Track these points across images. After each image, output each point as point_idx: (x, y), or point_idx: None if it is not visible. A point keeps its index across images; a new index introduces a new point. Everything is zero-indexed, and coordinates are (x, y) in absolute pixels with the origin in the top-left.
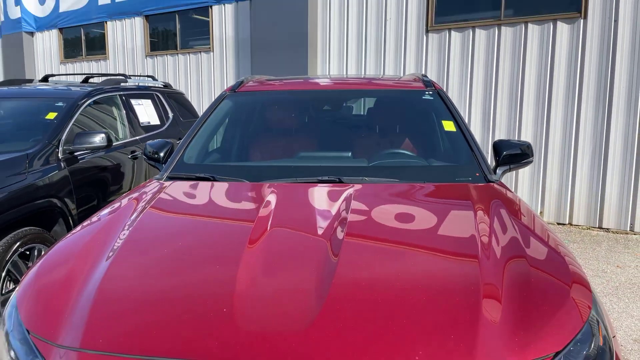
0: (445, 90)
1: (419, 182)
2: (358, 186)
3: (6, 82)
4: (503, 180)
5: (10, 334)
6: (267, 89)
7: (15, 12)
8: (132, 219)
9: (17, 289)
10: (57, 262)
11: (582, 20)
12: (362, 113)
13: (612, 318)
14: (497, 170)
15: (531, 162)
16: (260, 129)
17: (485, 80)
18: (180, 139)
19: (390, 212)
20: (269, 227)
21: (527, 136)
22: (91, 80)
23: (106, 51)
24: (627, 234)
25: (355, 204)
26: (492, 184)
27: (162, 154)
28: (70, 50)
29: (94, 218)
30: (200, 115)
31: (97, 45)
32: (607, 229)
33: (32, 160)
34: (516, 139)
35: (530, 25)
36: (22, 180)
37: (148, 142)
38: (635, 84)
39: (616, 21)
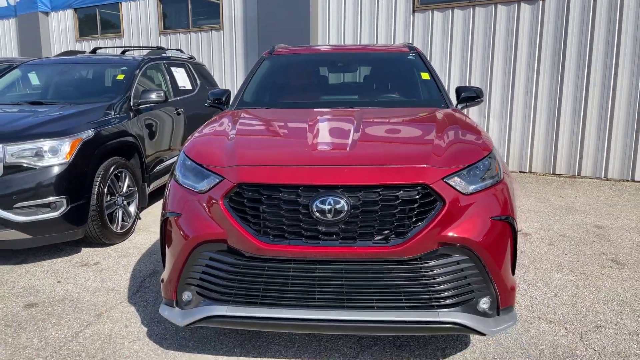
0: (429, 60)
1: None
2: (365, 108)
3: (64, 54)
4: None
5: (184, 176)
6: (294, 52)
7: None
8: (233, 122)
9: (184, 149)
10: (202, 138)
11: (541, 2)
12: (365, 68)
13: (548, 225)
14: (458, 107)
15: (482, 101)
16: (293, 79)
17: (462, 53)
18: (207, 103)
19: (387, 116)
20: (319, 117)
21: (496, 98)
22: (128, 52)
23: (121, 29)
24: (574, 178)
25: (365, 113)
26: (450, 108)
27: (223, 99)
28: (86, 28)
29: (203, 130)
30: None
31: (112, 24)
32: (559, 174)
33: (116, 108)
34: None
35: (499, 6)
36: (112, 122)
37: (210, 91)
38: (582, 54)
39: (568, 2)
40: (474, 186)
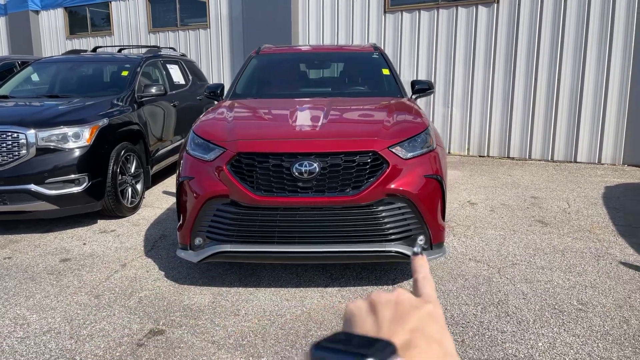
0: (398, 57)
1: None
2: (336, 98)
3: (69, 52)
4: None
5: (194, 150)
6: (279, 51)
7: None
8: (229, 109)
9: (192, 129)
10: (207, 121)
11: (495, 5)
12: (337, 65)
13: (493, 197)
14: (413, 97)
15: (433, 92)
16: (277, 74)
17: (428, 49)
18: (199, 97)
19: (351, 103)
20: (297, 105)
21: (457, 90)
22: (124, 51)
23: (111, 28)
24: (525, 160)
25: (334, 101)
26: (404, 98)
27: (218, 91)
28: (76, 27)
29: (207, 115)
30: (206, 79)
31: (102, 22)
32: (513, 157)
33: (124, 100)
34: (426, 80)
35: (459, 8)
36: (120, 112)
37: (207, 85)
38: (532, 51)
39: (519, 5)
40: (411, 153)
